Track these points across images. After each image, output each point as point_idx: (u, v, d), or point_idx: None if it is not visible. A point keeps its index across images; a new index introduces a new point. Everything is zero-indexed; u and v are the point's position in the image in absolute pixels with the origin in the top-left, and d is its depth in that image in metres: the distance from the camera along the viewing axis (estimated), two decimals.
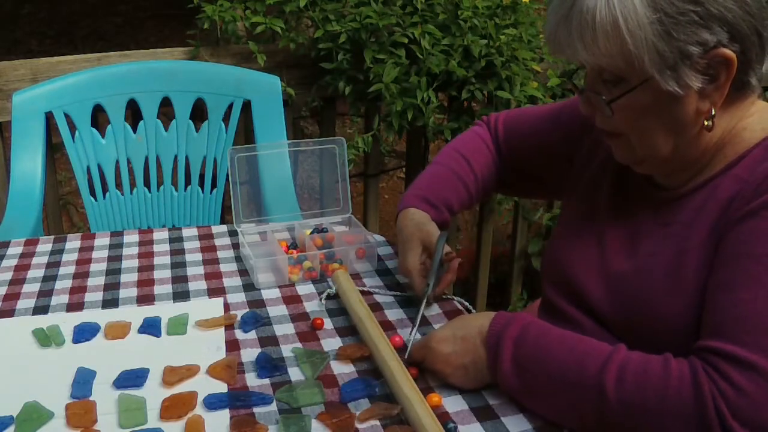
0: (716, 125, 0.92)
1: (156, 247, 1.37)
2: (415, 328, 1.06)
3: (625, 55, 0.86)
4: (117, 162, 1.88)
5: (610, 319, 1.00)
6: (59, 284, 1.23)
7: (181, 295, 1.20)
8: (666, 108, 0.90)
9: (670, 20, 0.84)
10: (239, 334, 1.08)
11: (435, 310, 1.15)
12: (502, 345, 0.91)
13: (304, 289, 1.22)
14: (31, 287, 1.22)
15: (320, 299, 1.17)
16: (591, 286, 1.02)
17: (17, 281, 1.24)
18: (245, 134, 2.03)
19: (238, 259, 1.32)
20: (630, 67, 0.87)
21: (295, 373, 0.99)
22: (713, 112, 0.90)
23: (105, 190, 1.89)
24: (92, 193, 1.88)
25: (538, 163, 1.24)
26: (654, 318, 0.93)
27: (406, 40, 1.92)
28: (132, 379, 0.97)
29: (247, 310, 1.15)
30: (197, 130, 1.89)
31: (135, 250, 1.35)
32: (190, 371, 0.98)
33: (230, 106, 1.87)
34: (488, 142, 1.29)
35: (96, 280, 1.24)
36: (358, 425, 0.89)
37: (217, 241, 1.39)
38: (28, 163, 1.76)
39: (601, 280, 1.01)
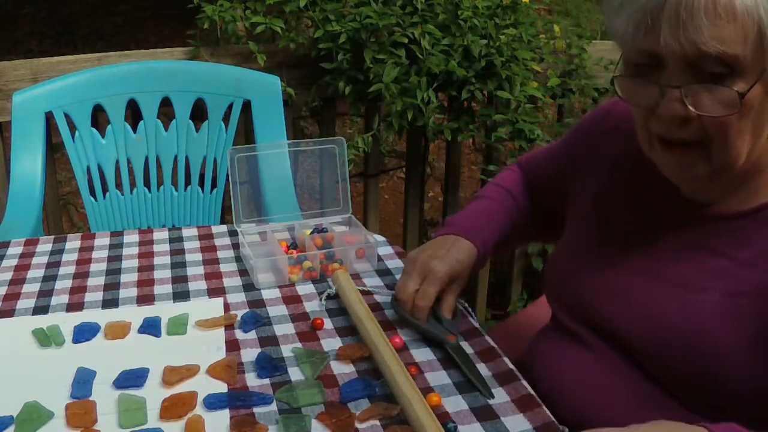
0: None
1: (156, 247, 1.37)
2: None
3: (757, 38, 0.76)
4: (117, 162, 1.88)
5: (638, 350, 0.92)
6: (59, 284, 1.23)
7: (181, 295, 1.20)
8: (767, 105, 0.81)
9: None
10: (239, 334, 1.08)
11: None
12: None
13: (304, 289, 1.22)
14: (31, 287, 1.22)
15: (320, 299, 1.17)
16: (614, 315, 0.95)
17: (17, 281, 1.24)
18: (245, 134, 2.03)
19: (238, 259, 1.32)
20: (757, 53, 0.77)
21: (295, 373, 0.99)
22: None
23: (105, 190, 1.89)
24: (92, 193, 1.88)
25: (555, 201, 1.18)
26: (701, 362, 0.85)
27: (406, 40, 1.92)
28: (132, 379, 0.97)
29: (247, 310, 1.15)
30: (197, 130, 1.89)
31: (135, 250, 1.35)
32: (190, 371, 0.98)
33: (230, 106, 1.87)
34: (520, 175, 1.27)
35: (96, 280, 1.24)
36: (358, 425, 0.89)
37: (217, 241, 1.39)
38: (28, 163, 1.76)
39: (628, 312, 0.93)
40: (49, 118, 1.80)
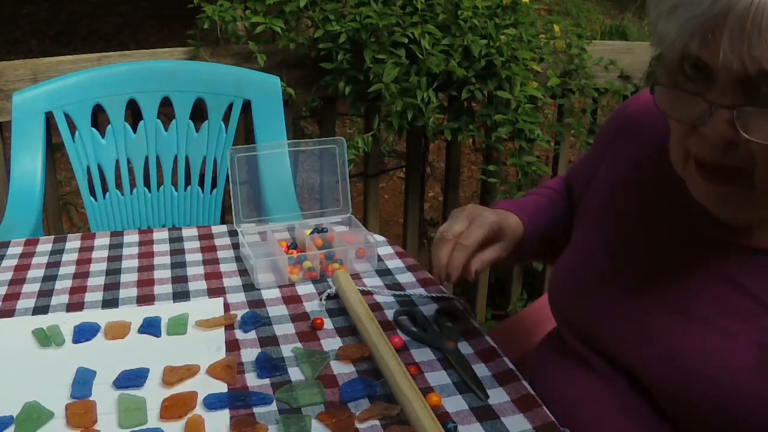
0: None
1: (156, 247, 1.37)
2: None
3: None
4: (117, 162, 1.88)
5: (654, 385, 0.87)
6: (59, 284, 1.23)
7: (181, 295, 1.20)
8: None
9: None
10: (239, 334, 1.08)
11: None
12: None
13: (304, 289, 1.22)
14: (31, 287, 1.22)
15: (320, 299, 1.17)
16: (627, 345, 0.89)
17: (17, 281, 1.24)
18: (245, 134, 2.03)
19: (238, 259, 1.32)
20: None
21: (295, 373, 0.99)
22: None
23: (105, 190, 1.89)
24: (92, 193, 1.88)
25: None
26: (723, 407, 0.79)
27: (406, 40, 1.92)
28: (132, 379, 0.97)
29: (247, 310, 1.15)
30: (197, 130, 1.90)
31: (135, 250, 1.35)
32: (190, 371, 0.98)
33: (230, 106, 1.87)
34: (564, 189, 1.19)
35: (96, 280, 1.24)
36: (358, 425, 0.89)
37: (217, 241, 1.39)
38: (28, 163, 1.76)
39: (643, 342, 0.87)
40: (49, 118, 1.80)
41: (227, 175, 1.64)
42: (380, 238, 1.39)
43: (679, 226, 0.88)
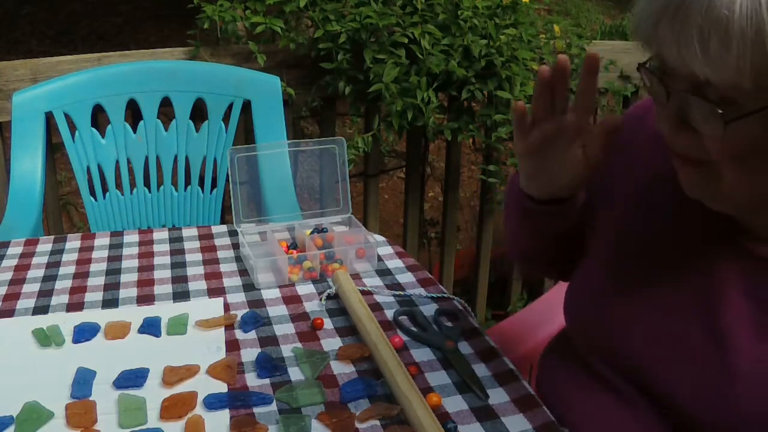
0: None
1: (156, 247, 1.37)
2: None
3: (760, 72, 0.64)
4: (117, 162, 1.88)
5: (689, 416, 0.80)
6: (59, 284, 1.23)
7: (181, 295, 1.20)
8: None
9: None
10: (239, 334, 1.08)
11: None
12: None
13: (304, 289, 1.22)
14: (31, 287, 1.22)
15: (320, 299, 1.17)
16: (657, 370, 0.82)
17: (17, 281, 1.24)
18: (245, 134, 2.03)
19: (238, 259, 1.32)
20: (758, 88, 0.65)
21: (295, 373, 0.99)
22: None
23: (105, 190, 1.89)
24: (92, 193, 1.88)
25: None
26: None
27: (406, 40, 1.92)
28: (132, 379, 0.97)
29: (247, 310, 1.15)
30: (197, 130, 1.90)
31: (135, 250, 1.35)
32: (190, 371, 0.98)
33: (230, 106, 1.87)
34: None
35: (96, 280, 1.24)
36: (358, 425, 0.89)
37: (217, 241, 1.39)
38: (28, 163, 1.76)
39: (674, 364, 0.80)
40: (49, 118, 1.80)
41: (227, 175, 1.64)
42: (380, 238, 1.39)
43: (710, 241, 0.82)
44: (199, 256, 1.33)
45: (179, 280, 1.24)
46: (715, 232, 0.82)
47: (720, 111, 0.68)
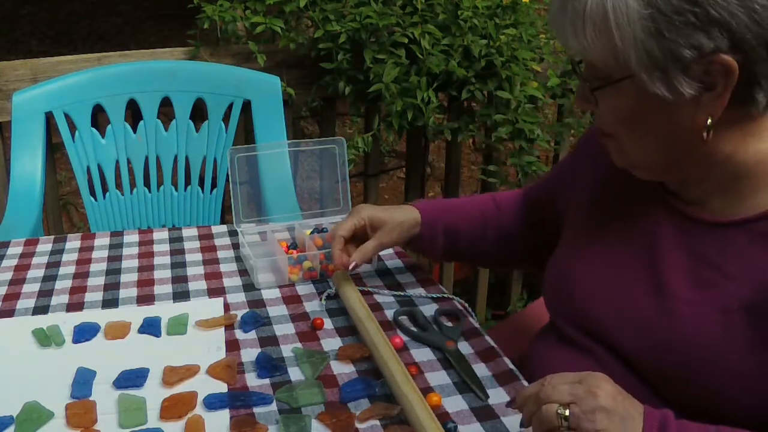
0: (723, 142, 0.84)
1: (156, 247, 1.37)
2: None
3: (612, 50, 0.81)
4: (117, 162, 1.88)
5: (638, 361, 0.91)
6: (59, 284, 1.23)
7: (181, 295, 1.20)
8: (655, 112, 0.84)
9: (663, 18, 0.77)
10: (239, 334, 1.08)
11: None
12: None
13: (304, 289, 1.22)
14: (31, 287, 1.22)
15: (320, 299, 1.17)
16: (609, 321, 0.93)
17: (17, 281, 1.24)
18: (245, 134, 2.03)
19: (238, 259, 1.32)
20: (617, 63, 0.82)
21: (295, 373, 0.99)
22: (708, 122, 0.82)
23: (105, 190, 1.89)
24: (92, 193, 1.88)
25: (550, 210, 1.17)
26: (695, 373, 0.85)
27: (406, 40, 1.92)
28: (132, 379, 0.97)
29: (247, 310, 1.15)
30: (197, 130, 1.89)
31: (135, 250, 1.35)
32: (190, 371, 0.99)
33: (230, 106, 1.87)
34: (520, 194, 1.26)
35: (96, 280, 1.24)
36: (358, 425, 0.89)
37: (217, 241, 1.39)
38: (28, 163, 1.76)
39: (622, 316, 0.92)
40: (49, 118, 1.80)
41: (227, 175, 1.64)
42: None
43: (651, 209, 0.95)
44: (199, 256, 1.33)
45: (179, 280, 1.24)
46: (654, 199, 0.95)
47: (588, 83, 0.87)
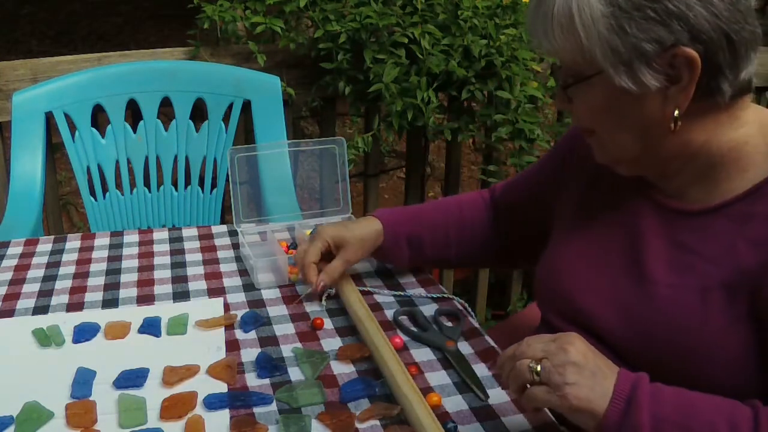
0: (697, 133, 0.88)
1: (156, 247, 1.37)
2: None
3: (579, 48, 0.85)
4: (117, 162, 1.88)
5: (623, 348, 0.93)
6: (59, 284, 1.23)
7: (181, 295, 1.20)
8: (625, 106, 0.87)
9: (624, 15, 0.82)
10: (239, 334, 1.08)
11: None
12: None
13: (304, 289, 1.22)
14: (31, 287, 1.22)
15: (320, 299, 1.17)
16: (596, 311, 0.96)
17: (17, 281, 1.24)
18: (245, 134, 2.03)
19: (238, 259, 1.32)
20: (585, 61, 0.86)
21: (295, 373, 0.99)
22: (676, 114, 0.85)
23: (105, 190, 1.89)
24: (92, 193, 1.88)
25: (533, 211, 1.19)
26: (677, 355, 0.87)
27: (406, 40, 1.92)
28: (132, 379, 0.97)
29: (247, 310, 1.15)
30: (197, 130, 1.90)
31: (135, 250, 1.35)
32: (190, 371, 0.99)
33: (230, 106, 1.87)
34: (485, 197, 1.27)
35: (96, 280, 1.24)
36: (358, 425, 0.89)
37: (217, 241, 1.39)
38: (28, 163, 1.76)
39: (607, 305, 0.95)
40: (49, 118, 1.80)
41: (227, 175, 1.64)
42: None
43: (635, 203, 0.98)
44: (199, 256, 1.33)
45: (179, 280, 1.24)
46: (638, 193, 0.98)
47: (560, 82, 0.92)
